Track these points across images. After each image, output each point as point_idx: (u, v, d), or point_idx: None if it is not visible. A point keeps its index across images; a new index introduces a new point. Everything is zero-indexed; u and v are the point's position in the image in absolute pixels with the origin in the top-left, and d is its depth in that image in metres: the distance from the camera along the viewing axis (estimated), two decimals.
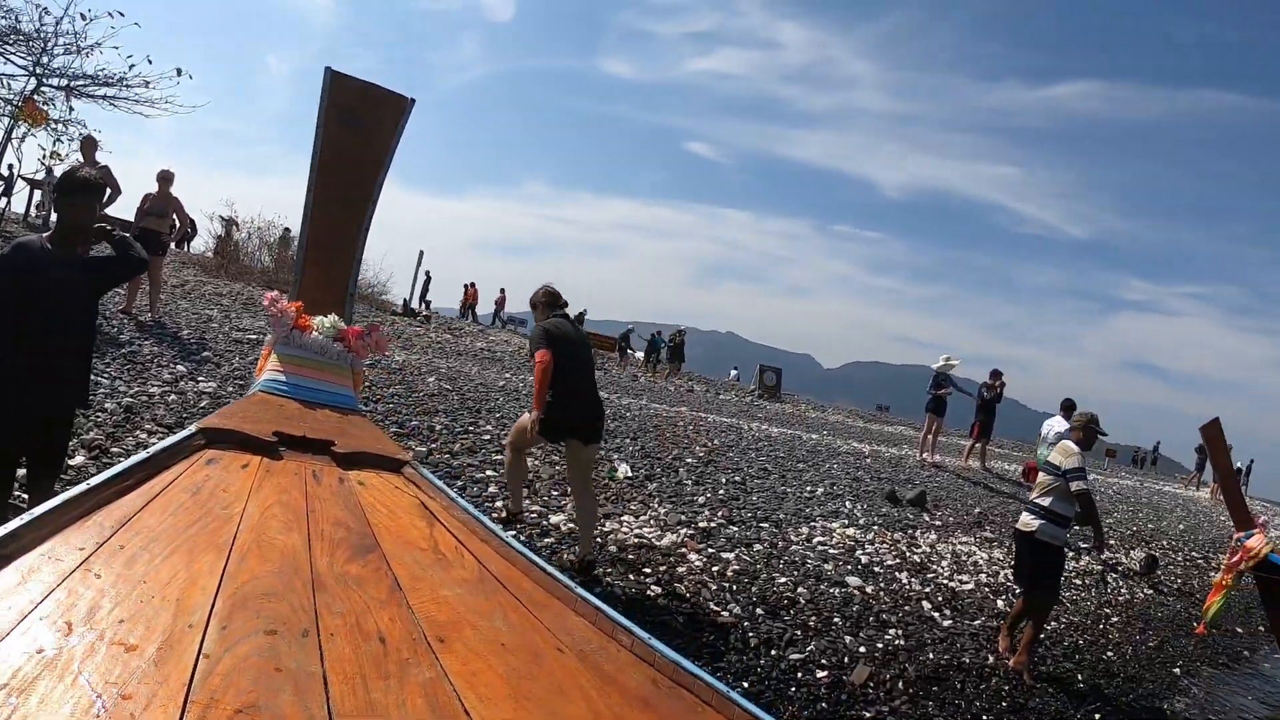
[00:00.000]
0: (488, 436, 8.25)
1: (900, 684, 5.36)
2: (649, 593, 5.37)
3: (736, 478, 9.18)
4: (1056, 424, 11.04)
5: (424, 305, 29.02)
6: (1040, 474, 6.57)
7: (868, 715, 4.92)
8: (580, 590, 1.87)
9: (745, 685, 4.67)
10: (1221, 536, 17.75)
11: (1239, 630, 10.14)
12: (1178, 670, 8.08)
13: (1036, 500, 6.27)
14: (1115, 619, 8.84)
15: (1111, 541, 11.65)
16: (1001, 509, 12.28)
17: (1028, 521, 6.23)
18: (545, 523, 6.20)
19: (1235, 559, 7.86)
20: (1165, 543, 14.39)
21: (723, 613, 5.39)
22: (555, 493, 7.04)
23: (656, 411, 12.85)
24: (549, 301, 5.58)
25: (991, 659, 6.30)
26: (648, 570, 5.70)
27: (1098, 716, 6.21)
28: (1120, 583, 10.52)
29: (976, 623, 7.00)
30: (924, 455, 14.88)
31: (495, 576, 1.88)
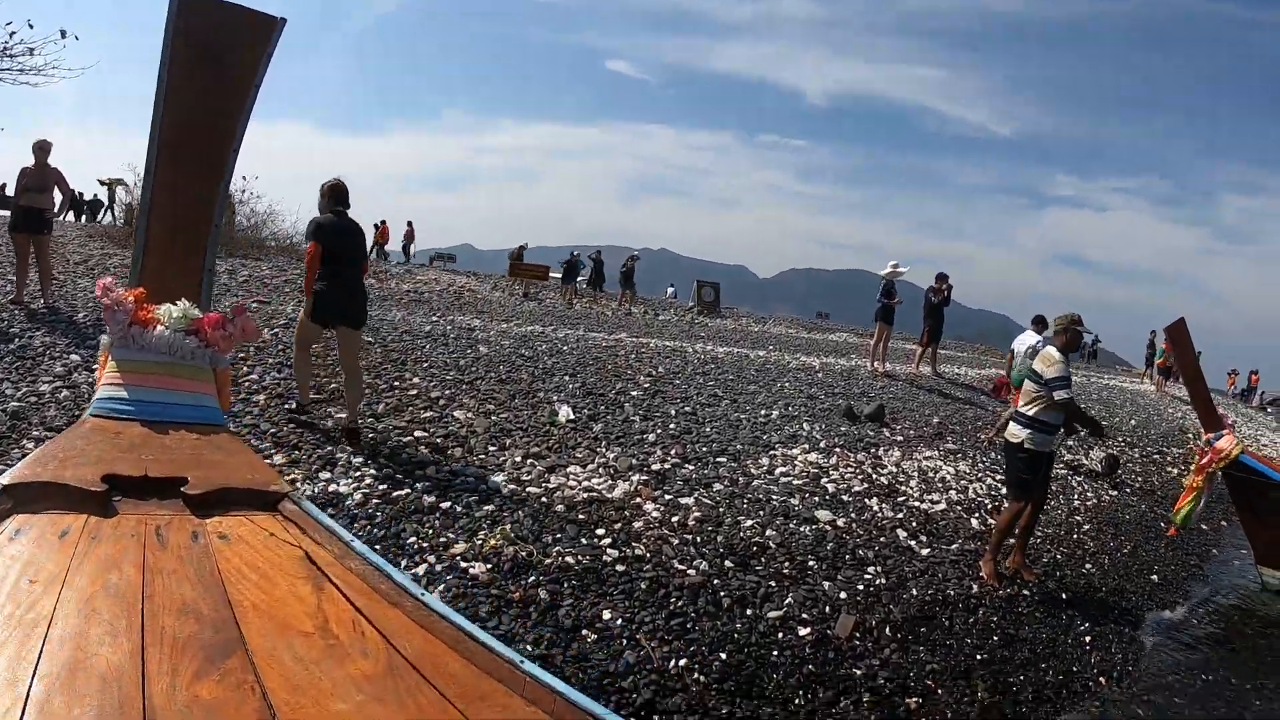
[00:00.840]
0: (414, 391, 7.62)
1: (887, 630, 5.11)
2: (605, 557, 4.92)
3: (686, 408, 8.75)
4: (1027, 338, 11.25)
5: None
6: (1026, 383, 6.55)
7: (858, 672, 4.64)
8: (530, 667, 1.34)
9: (723, 656, 4.29)
10: (1172, 430, 18.39)
11: (1204, 527, 10.31)
12: (1155, 577, 8.15)
13: (1023, 410, 6.38)
14: (1087, 526, 8.87)
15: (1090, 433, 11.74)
16: (959, 416, 12.28)
17: (1015, 432, 6.35)
18: (484, 486, 5.68)
19: (1205, 460, 8.11)
20: (1120, 439, 14.67)
21: (689, 571, 4.99)
22: (493, 447, 6.50)
23: (595, 342, 12.28)
24: (331, 196, 6.05)
25: (975, 587, 6.09)
26: (601, 531, 5.24)
27: (1088, 639, 6.11)
28: (1085, 485, 10.57)
29: (954, 547, 6.83)
30: (875, 365, 14.83)
31: (410, 662, 1.35)
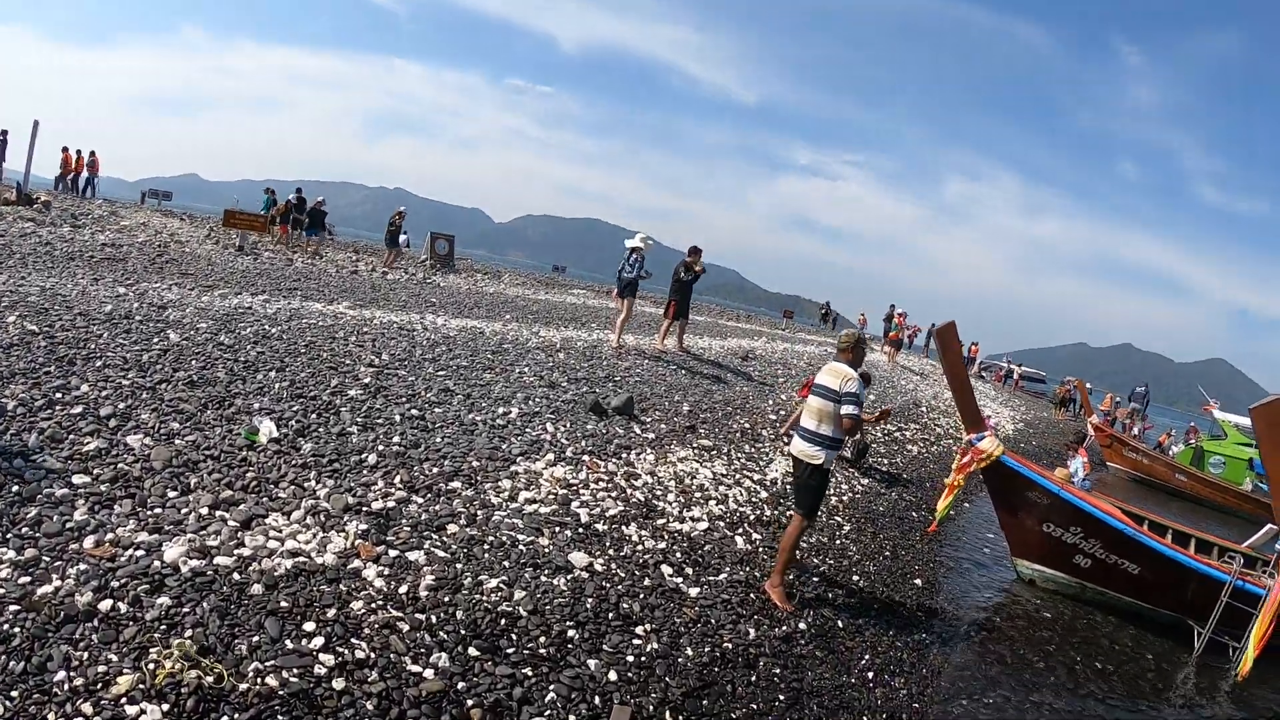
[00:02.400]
0: (79, 408, 6.04)
1: (667, 715, 4.68)
2: (318, 669, 3.95)
3: (414, 409, 7.79)
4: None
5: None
6: (814, 399, 6.75)
7: None
8: None
9: None
10: (908, 404, 19.94)
11: (950, 514, 11.03)
12: (919, 581, 8.59)
13: (815, 429, 6.68)
14: (847, 528, 9.12)
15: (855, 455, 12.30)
16: (709, 400, 12.37)
17: (814, 454, 6.66)
18: (157, 563, 4.45)
19: (967, 460, 8.81)
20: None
21: (426, 673, 4.18)
22: (173, 492, 5.21)
23: (310, 319, 10.71)
24: None
25: (752, 631, 5.82)
26: (311, 625, 4.23)
27: (870, 674, 6.18)
28: (838, 477, 10.91)
29: (722, 577, 6.61)
30: (618, 341, 14.68)
31: None
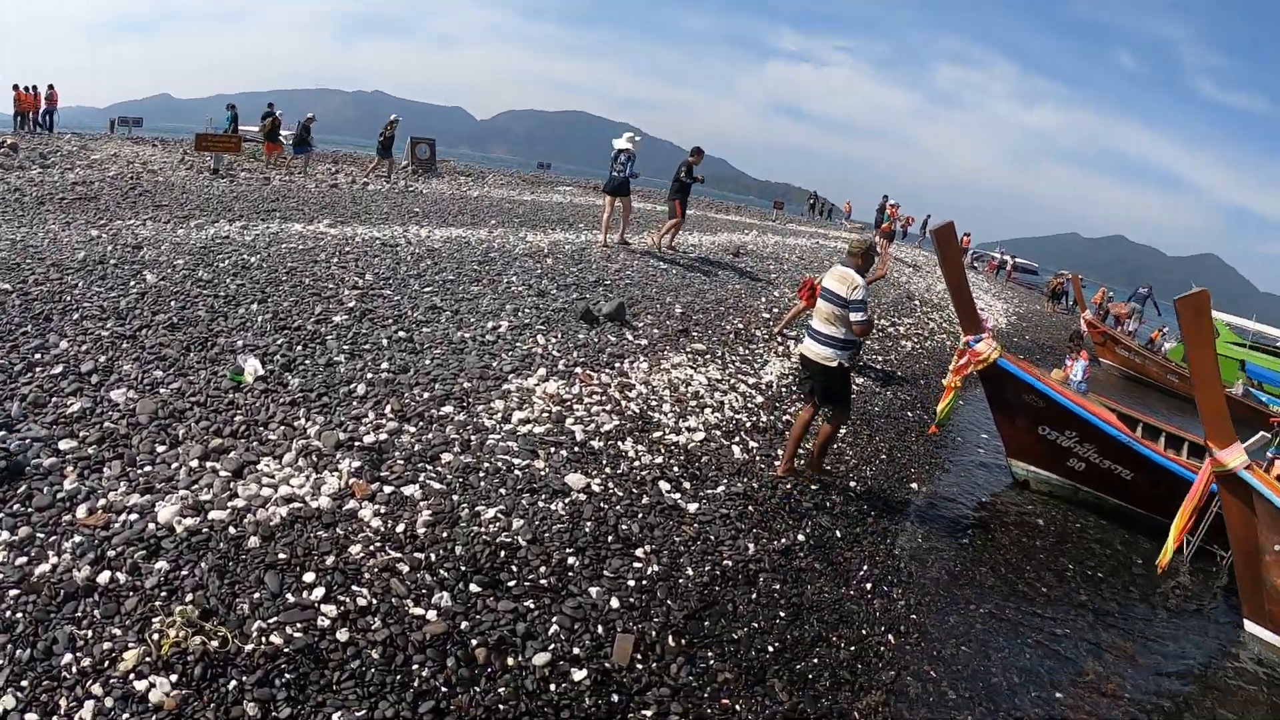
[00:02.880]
0: (59, 369, 5.90)
1: (670, 639, 4.74)
2: (321, 621, 3.96)
3: (401, 331, 7.67)
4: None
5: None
6: (822, 302, 7.01)
7: (649, 713, 4.18)
8: None
9: None
10: (900, 298, 19.89)
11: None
12: (915, 485, 8.72)
13: (827, 332, 7.03)
14: (843, 430, 9.03)
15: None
16: (700, 301, 12.34)
17: (828, 356, 7.02)
18: (151, 525, 4.43)
19: (964, 362, 8.88)
20: None
21: (429, 616, 4.21)
22: (162, 446, 5.15)
23: (291, 243, 10.41)
24: None
25: (751, 547, 5.87)
26: (311, 576, 4.23)
27: (869, 585, 6.32)
28: None
29: (720, 490, 6.60)
30: (604, 239, 14.75)
31: None
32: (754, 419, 8.47)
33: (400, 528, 4.76)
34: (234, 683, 3.57)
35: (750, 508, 6.58)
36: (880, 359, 13.58)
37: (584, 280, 11.46)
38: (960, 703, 5.31)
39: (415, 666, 3.92)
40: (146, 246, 9.07)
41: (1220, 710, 6.04)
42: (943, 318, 19.60)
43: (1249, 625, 7.36)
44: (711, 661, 4.75)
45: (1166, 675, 6.39)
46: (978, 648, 6.03)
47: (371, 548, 4.53)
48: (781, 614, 5.46)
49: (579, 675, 4.20)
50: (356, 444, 5.53)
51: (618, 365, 8.46)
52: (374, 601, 4.17)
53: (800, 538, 6.48)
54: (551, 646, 4.29)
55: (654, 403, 7.88)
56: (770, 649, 5.08)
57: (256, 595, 4.02)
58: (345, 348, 7.05)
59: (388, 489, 5.10)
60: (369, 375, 6.61)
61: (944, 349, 16.79)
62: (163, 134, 28.65)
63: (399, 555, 4.52)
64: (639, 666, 4.45)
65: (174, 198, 13.09)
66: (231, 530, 4.44)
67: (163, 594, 3.92)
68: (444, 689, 3.86)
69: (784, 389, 9.75)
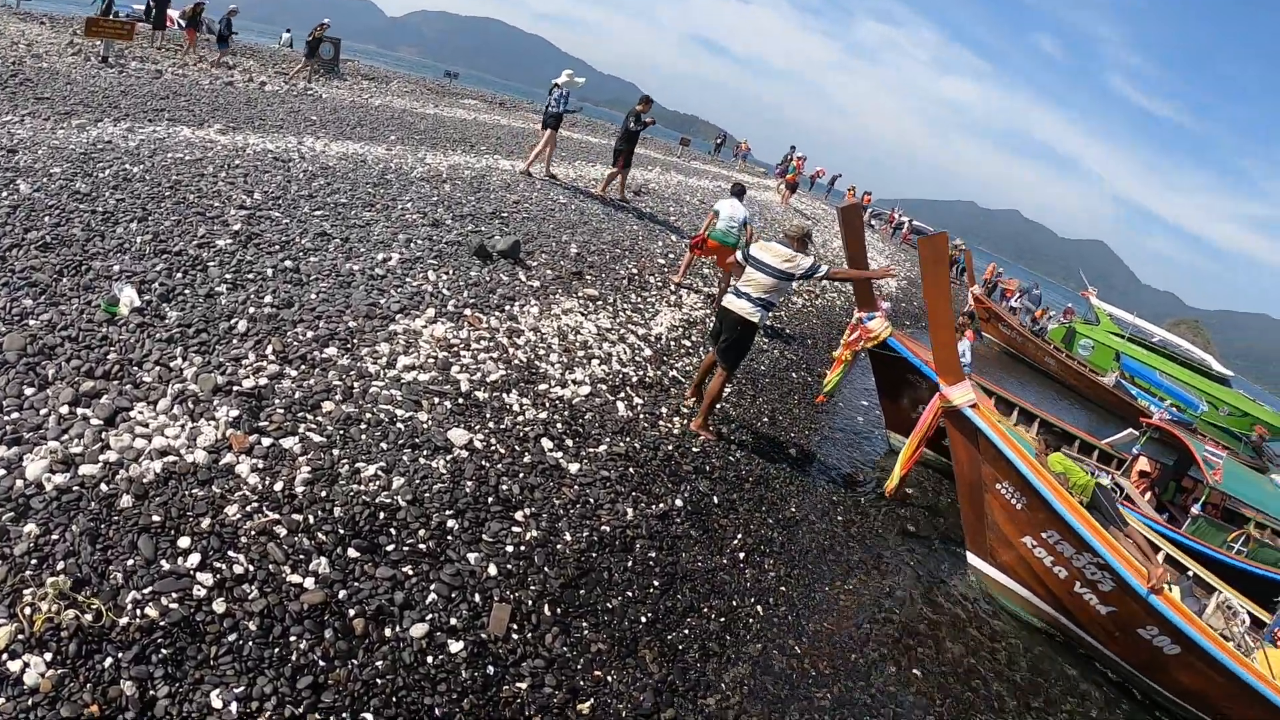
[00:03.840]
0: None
1: (545, 608, 4.84)
2: (197, 591, 3.85)
3: (288, 259, 7.31)
4: (734, 209, 11.93)
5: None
6: (753, 270, 7.71)
7: (523, 685, 4.31)
8: None
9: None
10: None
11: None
12: (794, 451, 8.93)
13: (752, 292, 7.69)
14: (728, 389, 9.23)
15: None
16: (597, 242, 12.22)
17: (751, 311, 7.69)
18: (19, 483, 4.19)
19: (856, 337, 9.08)
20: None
21: (306, 583, 4.15)
22: (30, 389, 4.82)
23: (178, 151, 9.68)
24: None
25: (630, 511, 5.99)
26: (186, 541, 4.08)
27: (742, 555, 6.56)
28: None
29: (602, 450, 6.68)
30: (529, 167, 15.71)
31: None
32: (641, 373, 8.56)
33: (278, 486, 4.64)
34: (110, 660, 3.45)
35: (631, 470, 6.69)
36: (772, 314, 13.85)
37: (481, 211, 11.23)
38: (821, 679, 5.62)
39: (293, 639, 3.88)
40: (22, 150, 8.21)
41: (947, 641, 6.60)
42: None
43: (971, 558, 7.99)
44: (586, 632, 4.87)
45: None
46: (840, 624, 6.36)
47: (249, 508, 4.41)
48: (656, 583, 5.62)
49: (456, 647, 4.25)
50: (235, 389, 5.30)
51: (508, 308, 8.37)
52: (251, 568, 4.07)
53: (679, 503, 6.64)
54: (429, 617, 4.31)
55: (542, 351, 7.86)
56: (643, 620, 5.24)
57: (130, 562, 3.86)
58: (228, 277, 6.69)
59: (266, 441, 4.94)
60: (251, 310, 6.31)
61: (834, 308, 17.23)
62: (52, 12, 26.09)
63: (277, 517, 4.42)
64: (515, 637, 4.53)
65: (57, 90, 12.00)
66: (104, 488, 4.22)
67: (33, 562, 3.72)
68: (322, 662, 3.85)
69: (672, 342, 9.86)
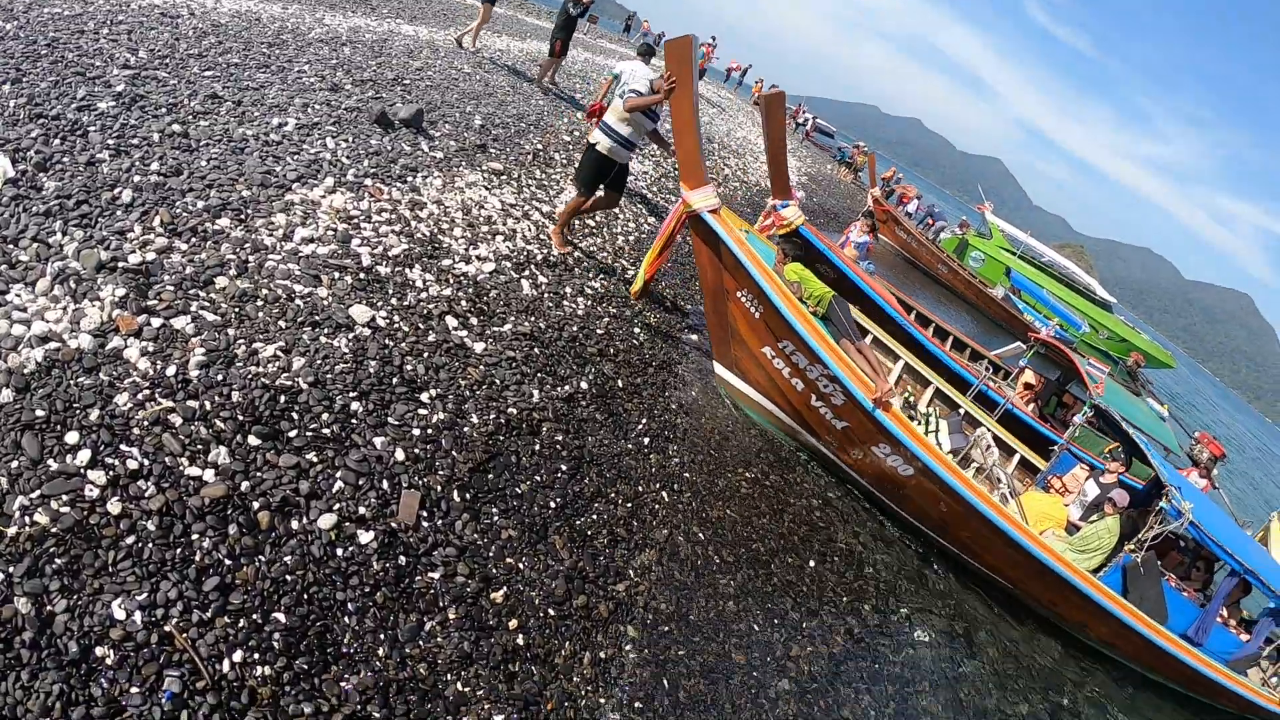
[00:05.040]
0: None
1: (455, 494, 4.68)
2: (88, 492, 3.52)
3: (176, 124, 6.60)
4: (638, 69, 11.42)
5: None
6: (617, 100, 8.01)
7: (436, 575, 4.20)
8: None
9: (281, 619, 3.48)
10: (700, 140, 19.70)
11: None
12: (695, 338, 8.95)
13: (610, 123, 8.08)
14: (632, 270, 9.05)
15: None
16: (502, 115, 11.70)
17: (597, 137, 8.14)
18: None
19: (768, 224, 8.92)
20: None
21: (205, 476, 3.86)
22: None
23: (54, 1, 8.49)
24: None
25: (536, 394, 5.88)
26: (74, 437, 3.67)
27: (646, 440, 6.46)
28: (627, 214, 10.94)
29: (507, 329, 6.46)
30: (462, 38, 15.63)
31: None
32: (545, 252, 8.30)
33: (171, 370, 4.24)
34: (3, 575, 3.17)
35: (536, 350, 6.52)
36: (618, 146, 13.67)
37: (382, 77, 10.52)
38: (725, 567, 5.69)
39: (195, 538, 3.63)
40: None
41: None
42: (739, 165, 19.83)
43: (718, 368, 8.19)
44: (496, 518, 4.77)
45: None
46: (742, 513, 6.42)
47: (140, 395, 4.04)
48: (563, 467, 5.54)
49: (366, 538, 4.08)
50: (121, 265, 4.77)
51: (410, 179, 7.92)
52: (146, 463, 3.74)
53: (584, 385, 6.54)
54: (337, 506, 4.11)
55: (445, 225, 7.49)
56: (552, 505, 5.17)
57: (15, 464, 3.49)
58: (110, 143, 5.98)
59: (156, 322, 4.49)
60: (136, 178, 5.67)
61: (735, 198, 17.09)
62: None
63: (171, 404, 4.06)
64: (425, 525, 4.39)
65: None
66: None
67: None
68: (228, 561, 3.62)
69: (576, 221, 9.59)
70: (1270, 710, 7.98)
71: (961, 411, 9.35)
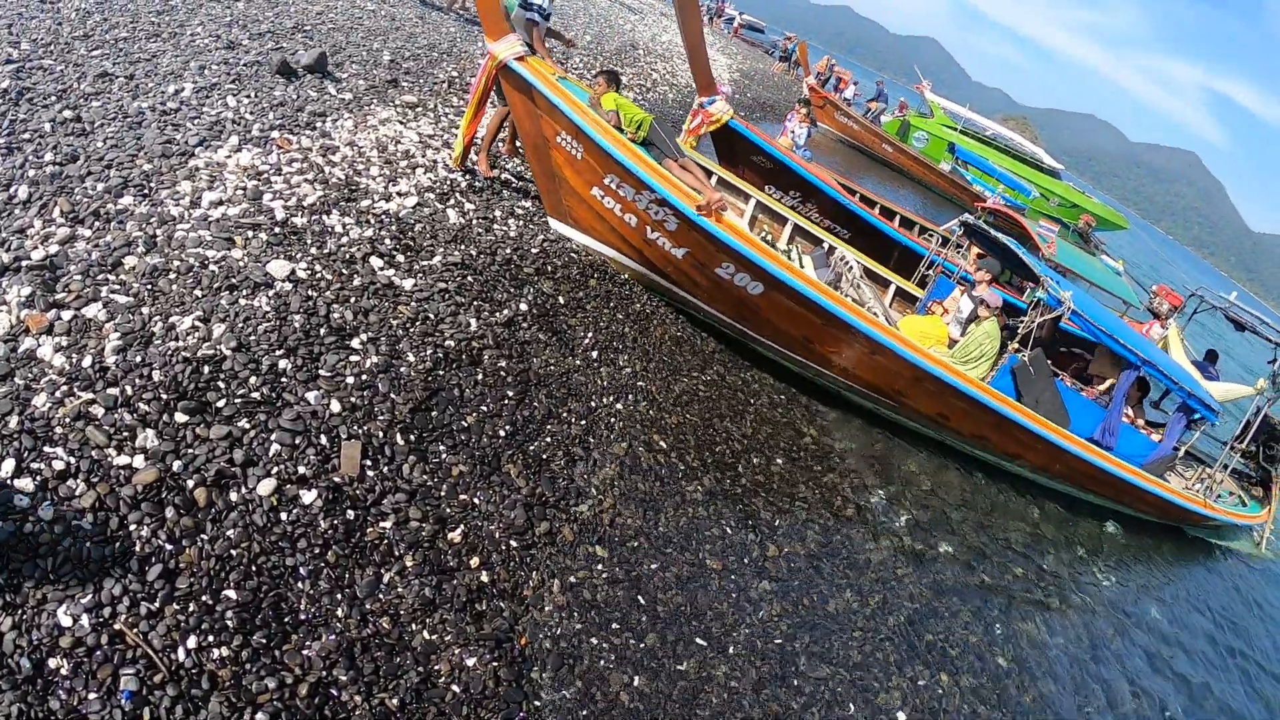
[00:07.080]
0: None
1: (399, 438, 4.51)
2: (18, 501, 3.32)
3: (67, 111, 6.13)
4: None
5: None
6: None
7: (387, 524, 4.06)
8: None
9: (233, 596, 3.32)
10: (625, 46, 19.24)
11: None
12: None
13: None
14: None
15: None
16: (412, 47, 11.24)
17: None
18: None
19: (697, 122, 8.85)
20: (587, 56, 14.84)
21: (135, 463, 3.67)
22: None
23: None
24: None
25: (473, 323, 5.66)
26: None
27: (595, 354, 6.23)
28: None
29: (436, 261, 6.24)
30: None
31: None
32: (470, 179, 8.01)
33: (87, 361, 3.98)
34: None
35: (470, 278, 6.29)
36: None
37: (281, 27, 9.96)
38: (689, 473, 5.59)
39: (133, 527, 3.47)
40: None
41: None
42: (666, 69, 19.28)
43: (553, 223, 7.92)
44: (444, 455, 4.63)
45: None
46: (703, 416, 6.31)
47: (58, 393, 3.80)
48: (510, 393, 5.39)
49: (309, 497, 3.94)
50: (24, 263, 4.48)
51: (319, 125, 7.55)
52: (72, 461, 3.55)
53: (523, 307, 6.34)
54: (275, 470, 3.95)
55: (360, 166, 7.16)
56: (502, 433, 5.04)
57: None
58: (0, 142, 5.66)
59: (66, 315, 4.19)
60: (31, 173, 5.27)
61: (666, 101, 16.64)
62: None
63: (90, 396, 3.82)
64: (370, 474, 4.25)
65: None
66: None
67: None
68: (169, 546, 3.47)
69: (501, 142, 9.26)
70: (1197, 512, 8.13)
71: (825, 245, 9.14)
